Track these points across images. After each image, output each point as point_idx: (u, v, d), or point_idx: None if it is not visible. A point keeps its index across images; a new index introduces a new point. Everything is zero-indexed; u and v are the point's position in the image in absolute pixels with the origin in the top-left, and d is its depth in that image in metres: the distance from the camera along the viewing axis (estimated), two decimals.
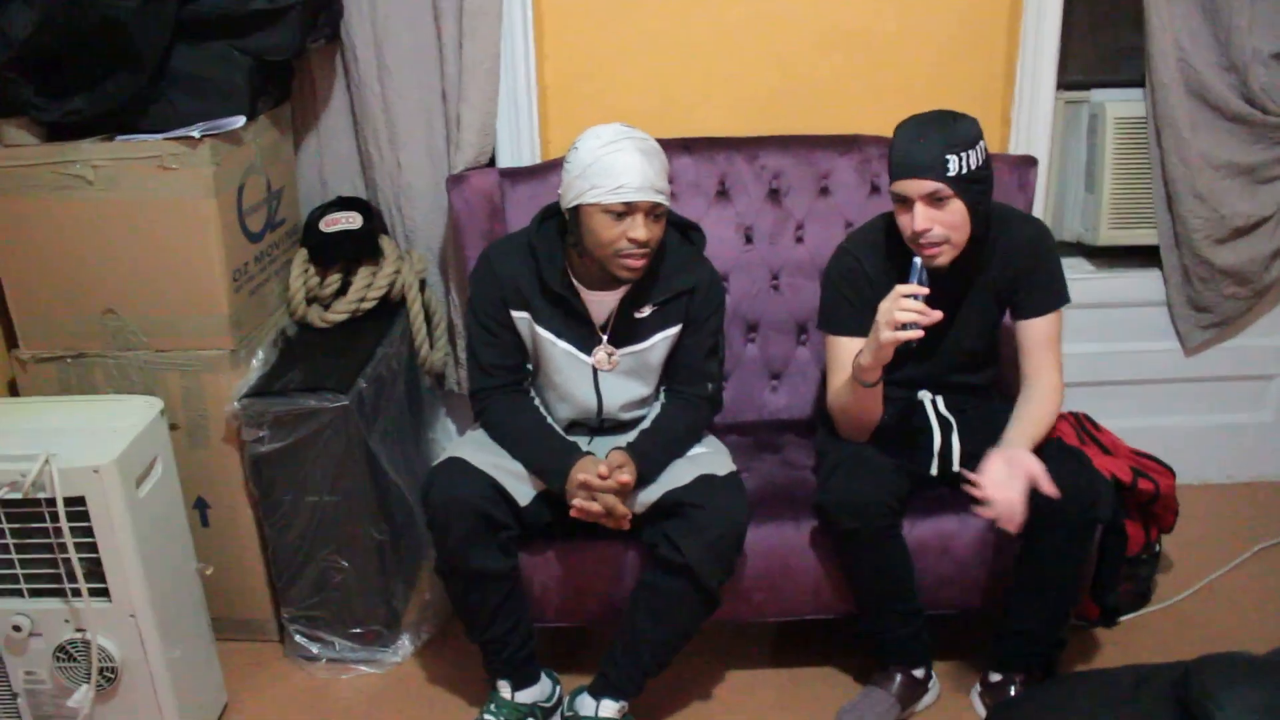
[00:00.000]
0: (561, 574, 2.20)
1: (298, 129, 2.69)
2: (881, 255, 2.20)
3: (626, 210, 1.99)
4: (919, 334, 1.96)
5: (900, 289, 1.96)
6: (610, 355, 2.17)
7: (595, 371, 2.19)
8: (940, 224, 2.02)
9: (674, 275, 2.16)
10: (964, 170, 1.99)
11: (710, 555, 2.03)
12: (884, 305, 1.98)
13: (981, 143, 2.03)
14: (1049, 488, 1.97)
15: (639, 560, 2.17)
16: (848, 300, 2.19)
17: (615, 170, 1.98)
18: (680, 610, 2.09)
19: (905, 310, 1.94)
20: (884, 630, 2.21)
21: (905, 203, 2.04)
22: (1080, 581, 2.20)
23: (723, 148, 2.61)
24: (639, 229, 2.00)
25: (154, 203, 2.19)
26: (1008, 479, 1.97)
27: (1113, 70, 2.87)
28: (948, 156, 1.98)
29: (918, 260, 2.01)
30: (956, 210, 2.02)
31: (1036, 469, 1.98)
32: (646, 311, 2.16)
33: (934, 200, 2.01)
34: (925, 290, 1.97)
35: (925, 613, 2.21)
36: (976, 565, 2.21)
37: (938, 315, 1.96)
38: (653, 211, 2.02)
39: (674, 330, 2.19)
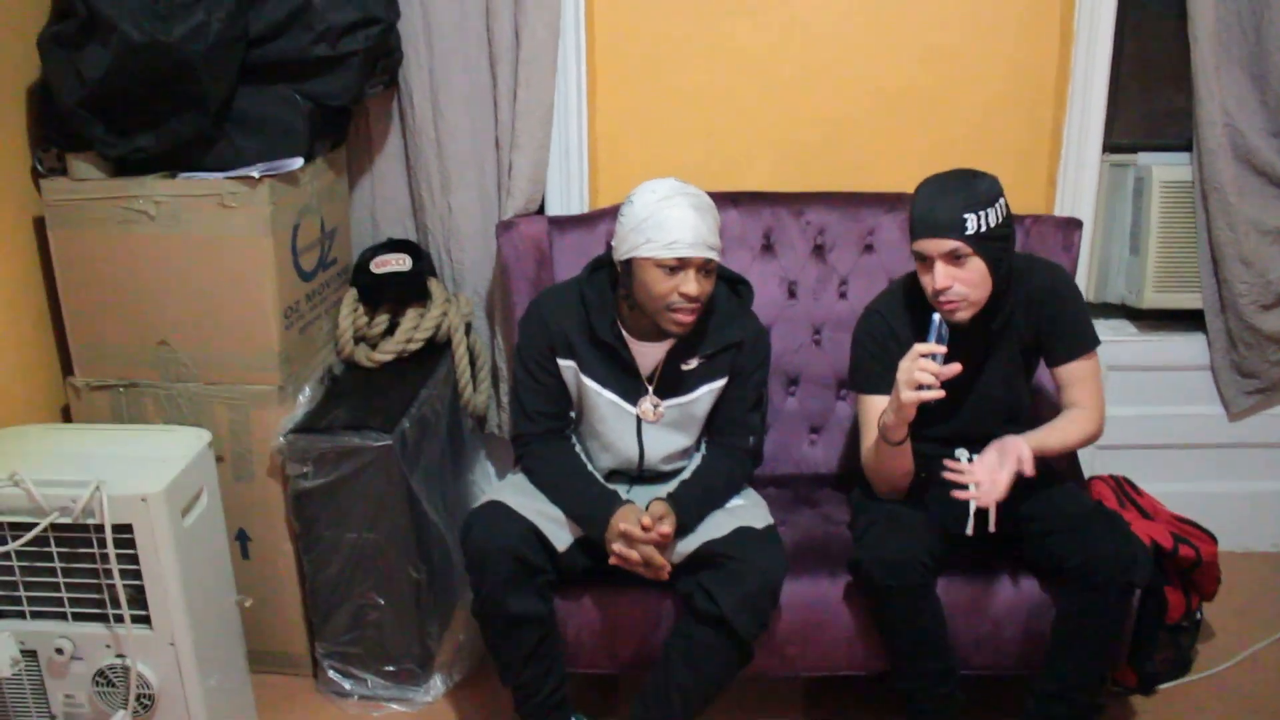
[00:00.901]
0: (596, 621, 2.20)
1: (353, 171, 2.75)
2: (908, 314, 2.21)
3: (679, 265, 2.01)
4: (940, 394, 1.97)
5: (919, 348, 1.98)
6: (656, 407, 2.18)
7: (639, 422, 2.20)
8: (960, 281, 2.04)
9: (722, 328, 2.17)
10: (983, 228, 2.01)
11: (746, 608, 2.03)
12: (903, 365, 2.00)
13: (1001, 200, 2.05)
14: (1029, 467, 2.03)
15: (674, 610, 2.17)
16: (876, 359, 2.20)
17: (669, 225, 2.00)
18: (713, 661, 2.08)
19: (924, 370, 1.96)
20: (916, 689, 2.18)
21: (926, 261, 2.06)
22: (1117, 647, 2.17)
23: (769, 202, 2.63)
24: (691, 284, 2.02)
25: (212, 239, 2.24)
26: (997, 463, 2.04)
27: (1159, 134, 2.87)
28: (966, 215, 2.00)
29: (936, 317, 2.02)
30: (976, 268, 2.04)
31: (1025, 452, 2.04)
32: (693, 364, 2.17)
33: (953, 258, 2.03)
34: (943, 349, 1.98)
35: (959, 673, 2.18)
36: (1011, 627, 2.18)
37: (955, 369, 1.98)
38: (704, 267, 2.04)
39: (720, 383, 2.20)
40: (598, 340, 2.15)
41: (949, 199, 2.02)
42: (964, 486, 2.05)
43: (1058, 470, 2.35)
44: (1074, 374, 2.20)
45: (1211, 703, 2.44)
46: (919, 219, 2.05)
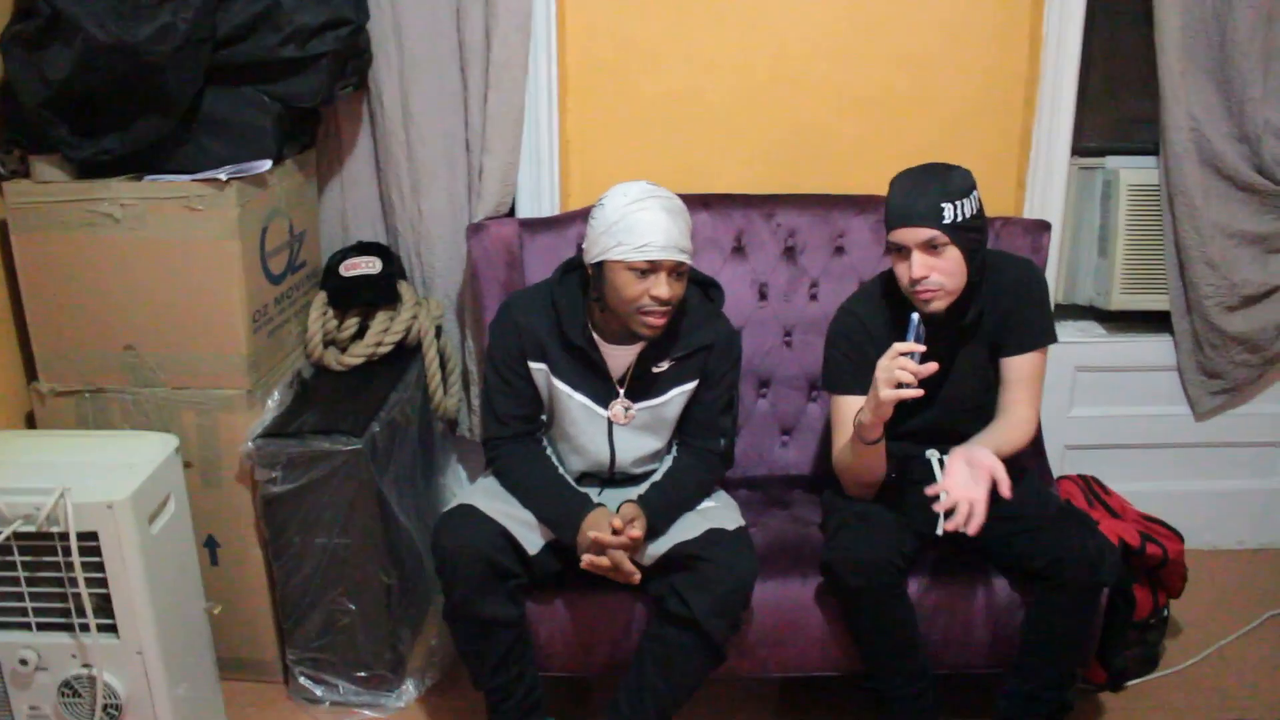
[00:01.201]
0: (568, 624, 2.19)
1: (322, 174, 2.73)
2: (883, 313, 2.22)
3: (650, 268, 2.01)
4: (918, 392, 1.97)
5: (898, 347, 1.98)
6: (627, 409, 2.18)
7: (610, 425, 2.20)
8: (937, 271, 2.06)
9: (693, 331, 2.17)
10: (959, 218, 2.03)
11: (717, 610, 2.03)
12: (882, 363, 1.99)
13: (975, 192, 2.07)
14: (1006, 489, 1.99)
15: (646, 613, 2.17)
16: (850, 359, 2.21)
17: (641, 229, 2.00)
18: (685, 663, 2.08)
19: (903, 369, 1.96)
20: (889, 689, 2.19)
21: (902, 251, 2.08)
22: (1086, 645, 2.19)
23: (740, 205, 2.64)
24: (662, 287, 2.02)
25: (179, 242, 2.22)
26: (970, 480, 2.00)
27: (1127, 138, 2.90)
28: (943, 205, 2.02)
29: (915, 316, 2.02)
30: (952, 257, 2.05)
31: (997, 468, 2.00)
32: (664, 366, 2.17)
33: (930, 248, 2.04)
34: (922, 348, 1.98)
35: (931, 672, 2.19)
36: (982, 626, 2.20)
37: (933, 367, 1.98)
38: (676, 270, 2.04)
39: (691, 385, 2.20)
40: (569, 343, 2.15)
41: (926, 189, 2.04)
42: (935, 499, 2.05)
43: (1027, 469, 2.37)
44: (1021, 369, 2.21)
45: (1179, 698, 2.47)
46: (896, 210, 2.07)
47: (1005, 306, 2.20)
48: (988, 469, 2.00)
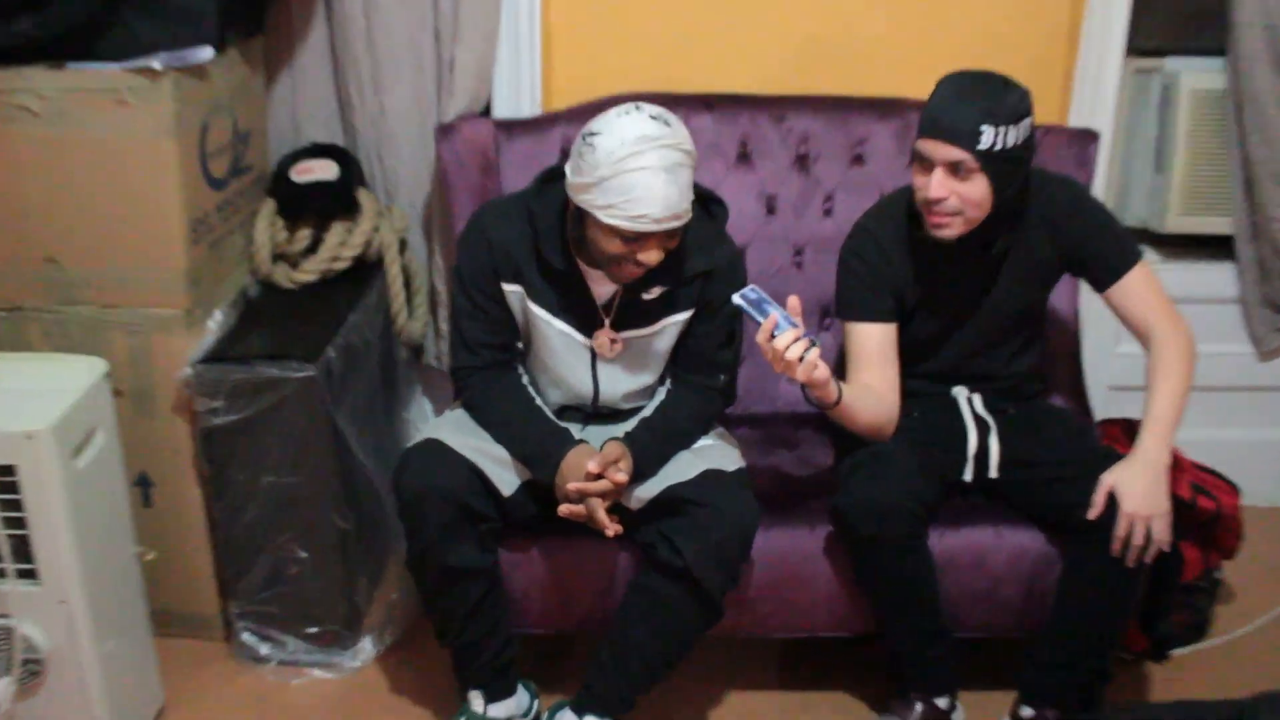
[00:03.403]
0: (546, 574, 2.22)
1: (270, 65, 2.72)
2: (903, 230, 2.21)
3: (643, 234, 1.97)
4: (816, 350, 1.95)
5: (764, 346, 1.95)
6: (613, 340, 2.17)
7: (593, 355, 2.19)
8: (958, 195, 2.04)
9: (691, 255, 2.12)
10: (998, 146, 2.00)
11: (713, 559, 2.05)
12: (769, 359, 1.96)
13: (1028, 120, 2.04)
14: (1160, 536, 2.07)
15: (633, 562, 2.19)
16: (864, 282, 2.21)
17: (636, 194, 1.91)
18: (677, 619, 2.10)
19: (784, 353, 1.92)
20: (905, 652, 2.22)
21: (925, 163, 2.06)
22: (1127, 608, 2.20)
23: (746, 106, 2.64)
24: (652, 253, 1.98)
25: (106, 141, 2.22)
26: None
27: (1190, 37, 2.89)
28: (984, 126, 1.99)
29: (735, 298, 1.98)
30: (978, 186, 2.04)
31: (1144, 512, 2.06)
32: (655, 293, 2.14)
33: (955, 170, 2.03)
34: (771, 319, 1.94)
35: (952, 635, 2.22)
36: (1012, 584, 2.22)
37: (796, 333, 1.94)
38: (671, 233, 2.00)
39: (684, 315, 2.18)
40: (547, 264, 2.13)
41: (971, 104, 2.00)
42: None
43: (1065, 410, 2.38)
44: (1130, 291, 2.19)
45: (1229, 669, 2.50)
46: (931, 117, 2.04)
47: (1065, 235, 2.19)
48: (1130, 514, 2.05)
